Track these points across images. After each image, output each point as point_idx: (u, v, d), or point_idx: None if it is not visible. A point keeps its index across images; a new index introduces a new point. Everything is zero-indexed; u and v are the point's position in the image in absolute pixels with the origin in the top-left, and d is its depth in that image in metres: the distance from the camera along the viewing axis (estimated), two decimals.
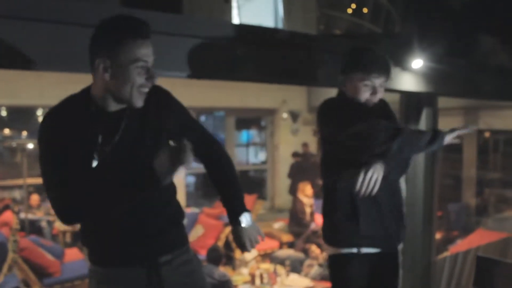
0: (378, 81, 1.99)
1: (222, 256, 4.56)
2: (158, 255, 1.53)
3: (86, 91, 1.52)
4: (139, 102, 1.45)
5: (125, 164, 1.42)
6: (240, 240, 1.67)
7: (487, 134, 10.02)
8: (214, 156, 1.71)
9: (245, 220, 1.66)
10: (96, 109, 1.48)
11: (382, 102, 2.08)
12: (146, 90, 1.45)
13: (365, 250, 2.08)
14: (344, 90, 2.09)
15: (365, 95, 2.01)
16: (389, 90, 3.18)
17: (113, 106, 1.47)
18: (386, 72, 2.01)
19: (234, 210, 1.67)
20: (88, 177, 1.42)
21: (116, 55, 1.39)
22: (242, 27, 2.77)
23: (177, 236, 1.61)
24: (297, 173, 8.81)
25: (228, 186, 1.71)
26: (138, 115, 1.49)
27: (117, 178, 1.37)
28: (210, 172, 1.72)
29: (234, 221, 1.67)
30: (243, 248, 1.68)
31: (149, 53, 1.43)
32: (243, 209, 1.67)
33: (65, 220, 1.43)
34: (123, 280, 1.50)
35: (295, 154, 9.20)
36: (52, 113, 1.50)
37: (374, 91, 2.00)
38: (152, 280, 1.51)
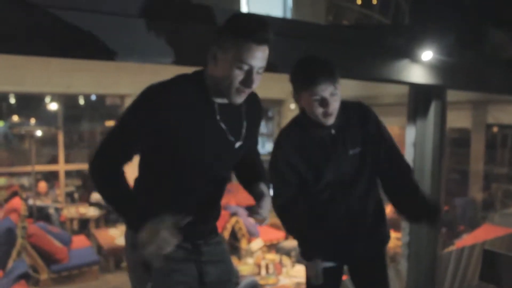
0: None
1: (228, 247, 4.59)
2: (203, 237, 1.72)
3: (199, 75, 1.56)
4: (236, 99, 1.51)
5: (225, 154, 1.60)
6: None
7: (495, 129, 9.94)
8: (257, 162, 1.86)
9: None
10: (210, 96, 1.53)
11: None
12: (244, 91, 1.50)
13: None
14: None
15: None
16: (397, 82, 3.17)
17: (220, 99, 1.54)
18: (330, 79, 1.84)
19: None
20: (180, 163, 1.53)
21: (226, 49, 1.44)
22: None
23: (215, 224, 1.81)
24: None
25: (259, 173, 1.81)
26: (245, 111, 1.63)
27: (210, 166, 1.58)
28: (247, 170, 1.82)
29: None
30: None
31: (257, 58, 1.45)
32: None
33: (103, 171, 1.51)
34: (174, 253, 1.56)
35: None
36: (166, 88, 1.50)
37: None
38: (194, 254, 1.68)
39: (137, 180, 1.68)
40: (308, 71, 1.86)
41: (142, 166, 1.64)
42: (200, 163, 1.57)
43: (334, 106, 1.86)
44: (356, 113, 2.02)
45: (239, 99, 1.51)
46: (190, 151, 1.52)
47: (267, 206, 1.68)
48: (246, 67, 1.44)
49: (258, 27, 1.43)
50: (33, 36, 1.75)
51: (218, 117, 1.54)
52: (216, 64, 1.48)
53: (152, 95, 1.48)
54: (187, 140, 1.50)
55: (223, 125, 1.56)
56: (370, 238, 2.09)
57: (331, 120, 1.89)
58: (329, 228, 2.03)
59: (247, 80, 1.46)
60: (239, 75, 1.45)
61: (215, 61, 1.48)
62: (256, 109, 1.72)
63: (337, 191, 1.98)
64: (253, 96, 1.64)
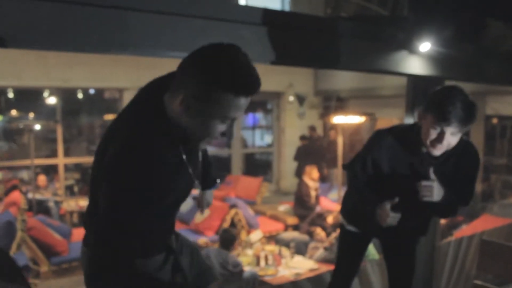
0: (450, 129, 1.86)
1: (235, 237, 4.61)
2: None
3: (160, 117, 1.34)
4: (204, 146, 1.50)
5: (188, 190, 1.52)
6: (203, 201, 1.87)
7: (494, 120, 9.95)
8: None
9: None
10: (175, 140, 1.36)
11: None
12: (213, 141, 1.39)
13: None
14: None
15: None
16: (396, 73, 3.17)
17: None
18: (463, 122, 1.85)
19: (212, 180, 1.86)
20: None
21: (206, 101, 1.24)
22: (248, 9, 2.76)
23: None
24: (304, 156, 8.83)
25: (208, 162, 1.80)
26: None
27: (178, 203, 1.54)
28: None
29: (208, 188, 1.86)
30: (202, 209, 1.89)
31: (244, 108, 1.28)
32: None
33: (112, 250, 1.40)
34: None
35: (302, 137, 9.21)
36: (147, 144, 1.30)
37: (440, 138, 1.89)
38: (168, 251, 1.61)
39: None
40: (449, 108, 1.82)
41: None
42: (173, 206, 1.55)
43: (448, 143, 1.90)
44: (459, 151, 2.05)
45: (206, 145, 1.45)
46: (165, 200, 1.43)
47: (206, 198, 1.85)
48: (228, 120, 1.30)
49: (249, 78, 1.24)
50: (28, 30, 1.75)
51: (185, 163, 1.40)
52: (188, 113, 1.28)
53: (135, 160, 1.29)
54: (162, 192, 1.38)
55: (190, 170, 1.42)
56: (405, 230, 2.22)
57: (436, 153, 1.95)
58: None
59: (229, 132, 1.33)
60: (219, 128, 1.30)
61: (187, 110, 1.27)
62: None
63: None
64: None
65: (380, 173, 2.13)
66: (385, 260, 2.47)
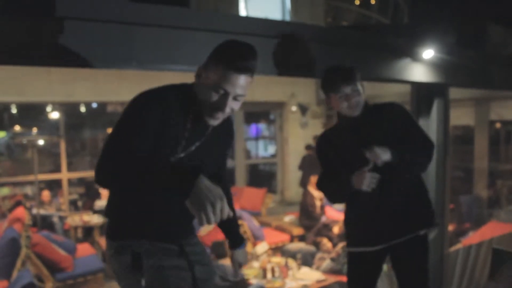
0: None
1: (226, 251, 4.58)
2: (185, 237, 1.78)
3: (188, 88, 1.60)
4: (210, 121, 1.56)
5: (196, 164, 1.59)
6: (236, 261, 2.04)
7: (498, 125, 9.91)
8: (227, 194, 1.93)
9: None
10: (193, 109, 1.57)
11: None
12: (217, 114, 1.53)
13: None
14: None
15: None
16: (400, 81, 3.16)
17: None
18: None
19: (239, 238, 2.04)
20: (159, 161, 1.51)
21: (208, 71, 1.50)
22: (249, 20, 2.75)
23: (193, 225, 1.84)
24: (308, 165, 8.80)
25: (233, 219, 2.00)
26: (216, 131, 1.67)
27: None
28: None
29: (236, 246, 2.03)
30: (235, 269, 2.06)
31: (236, 86, 1.49)
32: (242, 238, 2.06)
33: (104, 181, 1.49)
34: (163, 251, 1.66)
35: (308, 147, 9.18)
36: (157, 96, 1.53)
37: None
38: (181, 255, 1.72)
39: (112, 194, 1.71)
40: (330, 76, 2.18)
41: None
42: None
43: (356, 101, 2.16)
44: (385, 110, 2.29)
45: (213, 122, 1.56)
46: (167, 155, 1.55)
47: (238, 258, 2.01)
48: (222, 92, 1.49)
49: (241, 56, 1.48)
50: (32, 46, 1.74)
51: (188, 128, 1.57)
52: (199, 82, 1.54)
53: (147, 99, 1.51)
54: (165, 145, 1.53)
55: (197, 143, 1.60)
56: (404, 220, 2.26)
57: (355, 112, 2.18)
58: (362, 209, 2.31)
59: (220, 103, 1.50)
60: (214, 97, 1.50)
61: (199, 79, 1.55)
62: (225, 131, 1.77)
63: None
64: (227, 120, 1.72)
65: (341, 164, 2.26)
66: (396, 275, 2.39)
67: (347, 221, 2.47)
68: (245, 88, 1.52)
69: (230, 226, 2.02)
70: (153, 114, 1.48)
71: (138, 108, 1.50)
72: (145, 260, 1.60)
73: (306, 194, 7.01)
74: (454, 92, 3.71)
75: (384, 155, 2.08)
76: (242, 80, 1.49)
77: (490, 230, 5.42)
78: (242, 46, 1.51)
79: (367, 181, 2.12)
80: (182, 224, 1.75)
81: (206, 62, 1.53)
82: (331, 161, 2.33)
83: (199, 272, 1.74)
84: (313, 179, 7.04)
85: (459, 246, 4.96)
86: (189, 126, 1.58)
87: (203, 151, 1.64)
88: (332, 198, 2.46)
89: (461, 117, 8.62)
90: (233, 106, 1.53)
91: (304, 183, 8.39)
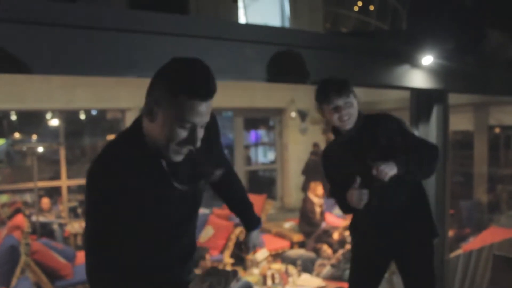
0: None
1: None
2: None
3: (138, 131, 1.40)
4: (176, 158, 1.37)
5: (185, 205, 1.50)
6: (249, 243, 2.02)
7: (497, 130, 9.92)
8: (233, 181, 1.92)
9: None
10: (151, 153, 1.38)
11: None
12: (186, 150, 1.36)
13: None
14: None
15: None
16: (399, 87, 3.16)
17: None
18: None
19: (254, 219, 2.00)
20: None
21: (165, 107, 1.29)
22: (250, 28, 2.76)
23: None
24: (312, 171, 8.79)
25: (247, 202, 1.98)
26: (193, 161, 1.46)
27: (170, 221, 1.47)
28: (227, 194, 1.95)
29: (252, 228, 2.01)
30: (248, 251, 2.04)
31: (202, 114, 1.30)
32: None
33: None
34: None
35: (313, 153, 9.18)
36: (108, 163, 1.36)
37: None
38: None
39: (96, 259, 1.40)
40: (323, 89, 2.23)
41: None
42: (162, 226, 1.45)
43: (347, 112, 2.18)
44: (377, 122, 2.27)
45: (179, 158, 1.37)
46: (149, 217, 1.39)
47: (252, 239, 1.99)
48: (189, 125, 1.30)
49: (200, 80, 1.28)
50: (31, 54, 1.75)
51: (170, 178, 1.40)
52: (153, 120, 1.32)
53: (100, 171, 1.35)
54: (144, 207, 1.37)
55: (176, 184, 1.41)
56: (404, 232, 2.28)
57: (347, 126, 2.21)
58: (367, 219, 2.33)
59: (191, 139, 1.32)
60: (181, 134, 1.31)
61: (152, 117, 1.32)
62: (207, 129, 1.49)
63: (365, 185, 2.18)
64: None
65: (345, 177, 2.24)
66: (403, 282, 2.41)
67: (352, 227, 2.49)
68: (209, 112, 1.33)
69: (243, 208, 1.98)
70: (113, 189, 1.31)
71: (94, 184, 1.34)
72: None
73: (306, 200, 7.00)
74: (453, 98, 3.72)
75: (390, 170, 2.06)
76: (207, 106, 1.31)
77: (491, 236, 5.41)
78: (198, 68, 1.30)
79: (357, 199, 2.12)
80: (184, 272, 1.61)
81: (155, 95, 1.30)
82: (334, 177, 2.36)
83: None
84: (313, 185, 7.03)
85: (459, 251, 4.95)
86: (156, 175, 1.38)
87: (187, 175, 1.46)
88: (343, 211, 2.42)
89: (460, 122, 8.63)
90: (200, 135, 1.35)
91: (305, 188, 8.39)
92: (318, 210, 6.91)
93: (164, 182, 1.39)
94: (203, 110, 1.30)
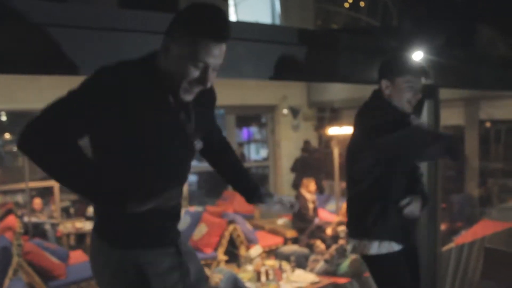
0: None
1: None
2: (179, 237, 1.67)
3: (149, 63, 1.44)
4: (186, 97, 1.43)
5: (183, 148, 1.52)
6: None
7: (488, 125, 10.00)
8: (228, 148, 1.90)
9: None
10: (160, 91, 1.43)
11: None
12: (196, 89, 1.42)
13: None
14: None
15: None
16: None
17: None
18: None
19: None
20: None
21: (181, 44, 1.35)
22: (241, 25, 2.76)
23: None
24: (301, 167, 8.81)
25: (244, 172, 1.91)
26: (195, 103, 1.51)
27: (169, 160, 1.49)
28: (223, 160, 1.90)
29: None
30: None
31: (215, 56, 1.36)
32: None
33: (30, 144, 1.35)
34: (161, 257, 1.56)
35: (304, 149, 9.20)
36: (121, 70, 1.39)
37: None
38: (178, 254, 1.62)
39: None
40: (411, 61, 2.21)
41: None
42: (160, 154, 1.46)
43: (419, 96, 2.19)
44: None
45: (189, 97, 1.43)
46: (147, 141, 1.41)
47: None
48: (201, 65, 1.36)
49: (217, 23, 1.35)
50: (21, 54, 1.74)
51: (174, 112, 1.45)
52: (168, 57, 1.38)
53: (107, 75, 1.38)
54: (145, 128, 1.39)
55: (182, 116, 1.47)
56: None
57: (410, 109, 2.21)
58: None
59: (202, 78, 1.38)
60: (193, 72, 1.36)
61: (167, 53, 1.38)
62: (205, 95, 1.56)
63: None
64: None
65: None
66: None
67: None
68: (223, 56, 1.39)
69: (242, 180, 1.90)
70: (110, 91, 1.34)
71: (93, 80, 1.40)
72: (150, 272, 1.49)
73: (298, 196, 7.02)
74: (444, 93, 3.74)
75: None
76: (221, 49, 1.37)
77: (482, 229, 5.46)
78: (215, 12, 1.36)
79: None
80: (176, 221, 1.65)
81: (173, 33, 1.37)
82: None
83: (193, 273, 1.66)
84: (306, 181, 7.05)
85: (451, 245, 5.00)
86: (169, 106, 1.43)
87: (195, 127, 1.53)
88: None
89: (451, 117, 8.69)
90: (212, 78, 1.41)
91: (297, 185, 8.39)
92: (311, 206, 6.94)
93: (166, 114, 1.44)
94: (216, 52, 1.36)
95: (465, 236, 5.67)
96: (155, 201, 1.38)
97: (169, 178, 1.51)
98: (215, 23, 1.35)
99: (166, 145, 1.45)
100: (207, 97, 1.61)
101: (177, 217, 1.66)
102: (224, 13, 1.38)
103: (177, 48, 1.36)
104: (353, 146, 2.25)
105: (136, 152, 1.41)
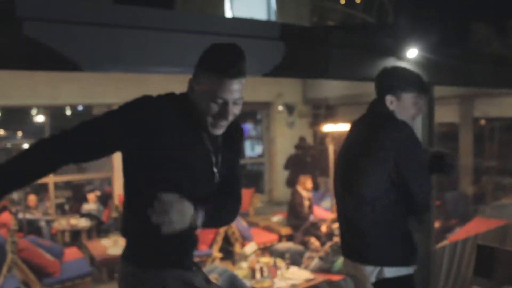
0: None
1: None
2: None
3: (186, 98, 1.54)
4: (214, 131, 1.51)
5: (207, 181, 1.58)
6: None
7: (482, 122, 10.04)
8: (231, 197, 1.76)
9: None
10: (190, 123, 1.52)
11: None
12: (221, 124, 1.49)
13: None
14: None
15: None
16: None
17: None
18: None
19: None
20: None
21: (201, 82, 1.45)
22: (235, 21, 2.76)
23: None
24: (293, 165, 8.82)
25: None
26: (223, 142, 1.61)
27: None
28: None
29: None
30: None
31: (233, 91, 1.44)
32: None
33: None
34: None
35: (298, 146, 9.21)
36: (159, 101, 1.50)
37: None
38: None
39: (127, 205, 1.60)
40: (417, 76, 2.12)
41: (131, 189, 1.57)
42: (184, 184, 1.51)
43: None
44: None
45: (218, 131, 1.52)
46: (175, 171, 1.49)
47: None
48: (221, 101, 1.45)
49: (231, 61, 1.43)
50: (15, 50, 1.73)
51: (206, 142, 1.55)
52: (194, 95, 1.49)
53: (144, 103, 1.47)
54: (173, 159, 1.48)
55: (210, 148, 1.56)
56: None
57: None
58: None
59: (223, 113, 1.46)
60: (214, 108, 1.45)
61: (193, 92, 1.49)
62: (233, 136, 1.67)
63: None
64: (233, 125, 1.60)
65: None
66: None
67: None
68: (242, 91, 1.48)
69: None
70: (143, 120, 1.44)
71: (128, 107, 1.48)
72: None
73: (294, 193, 7.02)
74: (439, 90, 3.75)
75: None
76: (237, 84, 1.45)
77: (476, 226, 5.49)
78: (230, 50, 1.46)
79: None
80: (196, 243, 1.70)
81: (195, 74, 1.49)
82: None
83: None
84: (303, 179, 7.05)
85: (445, 242, 5.02)
86: (202, 139, 1.54)
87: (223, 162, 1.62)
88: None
89: (445, 114, 8.71)
90: (234, 111, 1.49)
91: (291, 182, 8.40)
92: (306, 203, 6.95)
93: (198, 150, 1.54)
94: (233, 88, 1.44)
95: (459, 234, 5.70)
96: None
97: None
98: (228, 61, 1.42)
99: (193, 174, 1.53)
100: (234, 139, 1.68)
101: (194, 235, 1.67)
102: (239, 51, 1.46)
103: (198, 86, 1.46)
104: (369, 168, 2.05)
105: (162, 181, 1.48)
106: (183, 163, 1.49)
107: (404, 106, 2.08)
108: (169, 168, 1.47)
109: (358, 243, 2.16)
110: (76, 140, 1.43)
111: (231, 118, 1.48)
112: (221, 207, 1.65)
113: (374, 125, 2.09)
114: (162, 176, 1.47)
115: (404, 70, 2.17)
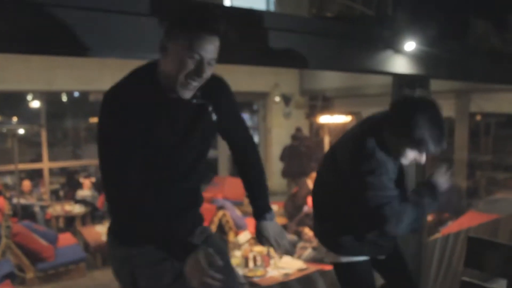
0: None
1: None
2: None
3: (151, 69, 1.54)
4: (184, 93, 1.50)
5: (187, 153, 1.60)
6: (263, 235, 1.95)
7: (478, 117, 10.07)
8: (250, 157, 1.97)
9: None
10: (160, 92, 1.51)
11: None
12: (193, 84, 1.48)
13: None
14: None
15: None
16: (381, 73, 3.18)
17: (173, 93, 1.51)
18: None
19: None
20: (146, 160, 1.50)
21: (177, 40, 1.44)
22: (233, 10, 2.74)
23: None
24: (288, 156, 8.81)
25: (259, 186, 2.00)
26: (199, 106, 1.58)
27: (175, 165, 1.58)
28: (243, 169, 1.98)
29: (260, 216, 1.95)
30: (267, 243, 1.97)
31: (208, 49, 1.45)
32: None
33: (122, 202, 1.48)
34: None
35: (294, 136, 9.21)
36: (121, 89, 1.50)
37: None
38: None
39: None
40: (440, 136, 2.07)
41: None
42: (162, 159, 1.55)
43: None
44: None
45: (187, 93, 1.51)
46: (150, 149, 1.50)
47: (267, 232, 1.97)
48: (197, 57, 1.44)
49: (209, 17, 1.45)
50: (10, 33, 1.72)
51: (171, 113, 1.53)
52: (166, 55, 1.47)
53: (111, 98, 1.47)
54: (148, 139, 1.48)
55: (178, 122, 1.55)
56: None
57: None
58: None
59: (197, 71, 1.45)
60: (189, 65, 1.44)
61: (166, 52, 1.47)
62: (217, 95, 1.67)
63: None
64: (211, 83, 1.58)
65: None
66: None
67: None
68: (216, 52, 1.48)
69: (252, 191, 1.99)
70: (124, 116, 1.44)
71: (109, 116, 1.47)
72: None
73: (302, 185, 6.97)
74: (435, 84, 3.76)
75: None
76: (214, 42, 1.45)
77: (469, 220, 5.52)
78: (207, 8, 1.48)
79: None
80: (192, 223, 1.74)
81: (169, 33, 1.46)
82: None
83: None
84: (314, 174, 7.00)
85: (438, 235, 5.06)
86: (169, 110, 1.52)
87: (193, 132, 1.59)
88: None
89: (441, 109, 8.73)
90: (207, 71, 1.48)
91: (288, 173, 8.41)
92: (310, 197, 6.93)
93: (166, 112, 1.51)
94: (209, 45, 1.44)
95: (452, 227, 5.73)
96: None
97: (171, 177, 1.60)
98: (207, 17, 1.44)
99: (162, 143, 1.53)
100: (215, 93, 1.65)
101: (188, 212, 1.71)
102: (215, 9, 1.49)
103: (174, 45, 1.44)
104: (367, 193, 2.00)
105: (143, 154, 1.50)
106: (156, 137, 1.50)
107: (406, 157, 2.08)
108: (142, 139, 1.48)
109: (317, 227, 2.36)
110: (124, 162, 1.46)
111: (205, 76, 1.48)
112: (262, 176, 1.99)
113: (358, 139, 2.08)
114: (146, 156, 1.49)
115: (436, 129, 2.05)
